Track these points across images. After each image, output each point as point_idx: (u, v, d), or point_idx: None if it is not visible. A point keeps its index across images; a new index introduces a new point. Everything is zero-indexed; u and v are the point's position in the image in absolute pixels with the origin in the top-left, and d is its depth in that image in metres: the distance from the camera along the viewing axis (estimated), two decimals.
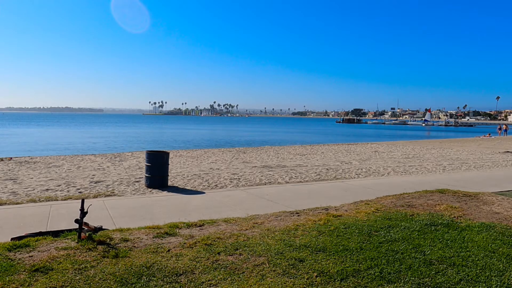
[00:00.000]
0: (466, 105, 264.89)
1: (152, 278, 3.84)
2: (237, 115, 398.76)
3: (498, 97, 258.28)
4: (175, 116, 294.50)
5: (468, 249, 4.77)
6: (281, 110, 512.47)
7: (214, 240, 4.94)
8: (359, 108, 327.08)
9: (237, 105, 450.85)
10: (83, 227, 4.80)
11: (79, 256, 4.33)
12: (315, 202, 7.59)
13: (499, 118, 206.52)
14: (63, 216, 6.50)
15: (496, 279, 3.97)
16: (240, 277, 3.92)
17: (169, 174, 10.04)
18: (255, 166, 14.12)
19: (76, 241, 4.74)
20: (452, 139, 40.53)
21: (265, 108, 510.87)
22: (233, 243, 4.86)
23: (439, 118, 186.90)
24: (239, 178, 11.11)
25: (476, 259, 4.47)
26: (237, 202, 7.84)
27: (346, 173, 12.47)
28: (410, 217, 6.23)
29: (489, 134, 46.62)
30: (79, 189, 9.20)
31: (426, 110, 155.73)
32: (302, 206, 7.24)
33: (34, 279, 3.75)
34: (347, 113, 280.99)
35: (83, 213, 4.70)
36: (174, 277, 3.89)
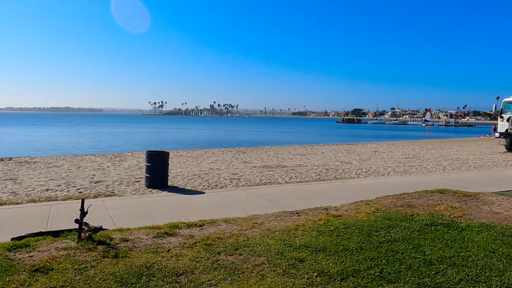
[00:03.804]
0: (466, 105, 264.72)
1: (152, 278, 3.84)
2: (237, 115, 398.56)
3: (498, 97, 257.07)
4: (175, 116, 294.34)
5: (468, 249, 4.77)
6: (281, 110, 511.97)
7: (214, 240, 4.94)
8: (359, 108, 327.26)
9: (237, 105, 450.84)
10: (83, 227, 4.80)
11: (79, 256, 4.33)
12: (315, 202, 7.59)
13: None
14: (63, 216, 6.50)
15: (496, 279, 3.97)
16: (240, 277, 3.92)
17: (169, 174, 10.04)
18: (255, 166, 14.12)
19: (76, 241, 4.73)
20: (452, 139, 40.52)
21: (265, 108, 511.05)
22: (233, 243, 4.86)
23: (439, 118, 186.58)
24: (239, 178, 11.11)
25: (476, 259, 4.47)
26: (237, 202, 7.84)
27: (346, 173, 12.47)
28: (410, 217, 6.23)
29: (489, 134, 46.63)
30: (79, 189, 9.20)
31: (426, 110, 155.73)
32: (302, 206, 7.23)
33: (34, 279, 3.75)
34: (347, 113, 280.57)
35: (83, 213, 4.70)
36: (174, 277, 3.89)
